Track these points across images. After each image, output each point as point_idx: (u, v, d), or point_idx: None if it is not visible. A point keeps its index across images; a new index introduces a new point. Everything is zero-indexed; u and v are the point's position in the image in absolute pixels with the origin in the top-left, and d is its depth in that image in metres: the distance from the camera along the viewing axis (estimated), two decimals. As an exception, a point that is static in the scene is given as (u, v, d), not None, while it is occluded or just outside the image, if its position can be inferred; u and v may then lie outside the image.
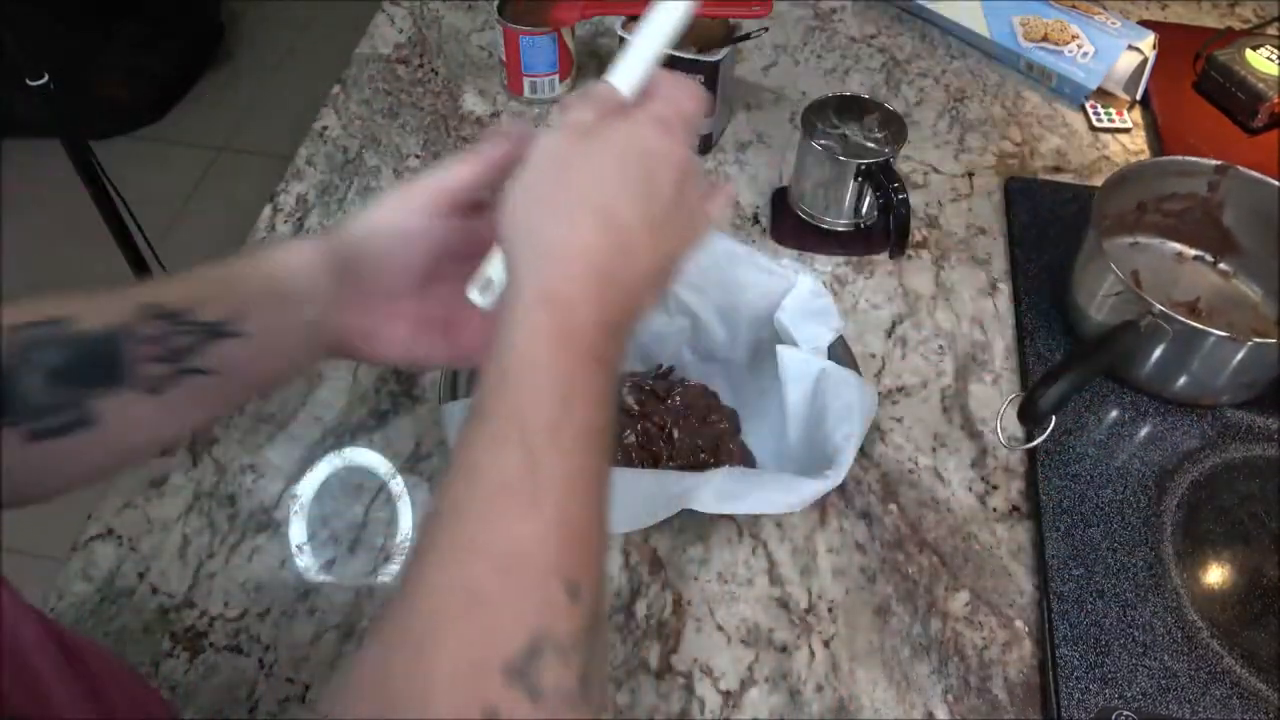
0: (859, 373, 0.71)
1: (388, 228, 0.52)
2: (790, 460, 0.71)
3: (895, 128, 0.87)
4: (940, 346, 0.84)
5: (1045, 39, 1.05)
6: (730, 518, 0.72)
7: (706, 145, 0.98)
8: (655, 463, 0.72)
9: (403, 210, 0.52)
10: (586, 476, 0.39)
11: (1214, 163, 0.84)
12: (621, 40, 0.93)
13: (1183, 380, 0.77)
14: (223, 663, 0.64)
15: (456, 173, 0.51)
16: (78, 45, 2.14)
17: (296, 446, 0.75)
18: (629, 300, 0.43)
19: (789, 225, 0.91)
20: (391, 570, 0.69)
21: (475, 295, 0.51)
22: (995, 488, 0.75)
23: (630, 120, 0.45)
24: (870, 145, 0.87)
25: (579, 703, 0.34)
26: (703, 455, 0.72)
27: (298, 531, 0.71)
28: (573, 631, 0.35)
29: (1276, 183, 0.82)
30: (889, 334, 0.84)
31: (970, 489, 0.74)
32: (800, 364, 0.70)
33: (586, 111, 0.45)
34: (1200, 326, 0.72)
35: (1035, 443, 0.74)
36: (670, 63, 0.89)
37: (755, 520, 0.72)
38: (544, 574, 0.36)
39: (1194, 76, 1.06)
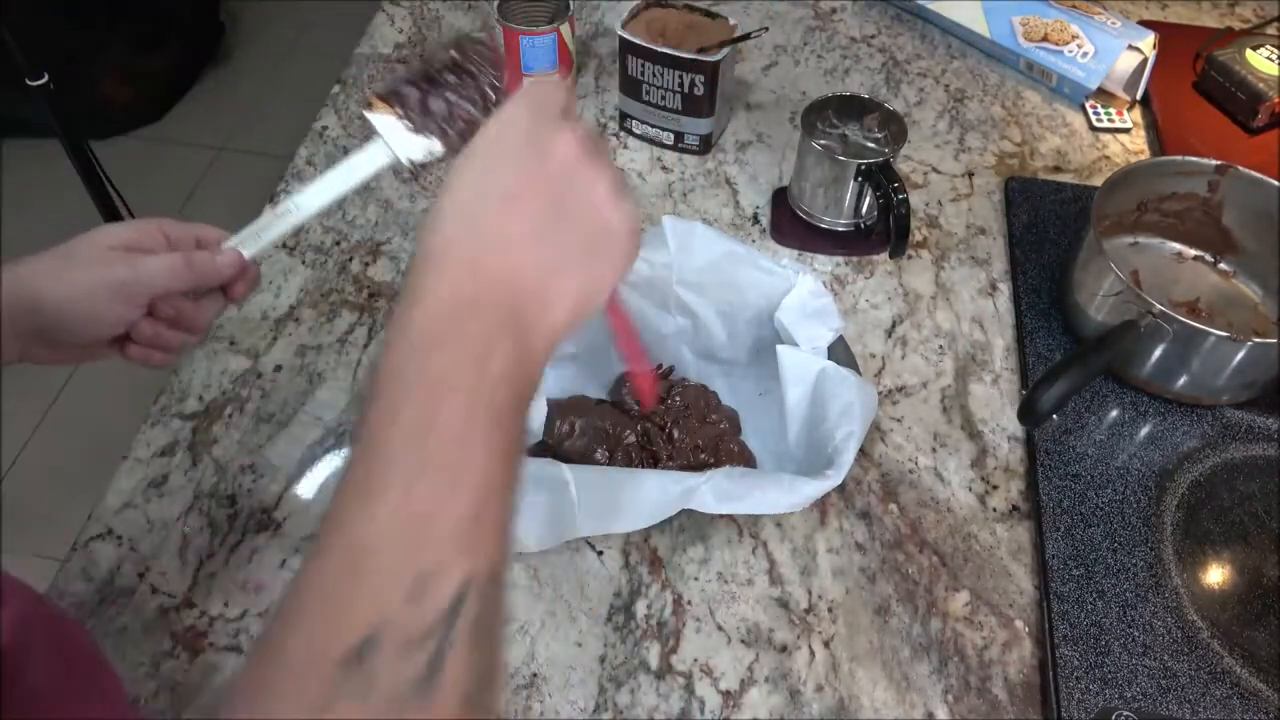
0: (859, 373, 0.71)
1: (82, 311, 0.54)
2: (790, 460, 0.71)
3: (895, 128, 0.87)
4: (940, 346, 0.84)
5: (1045, 39, 1.05)
6: (730, 518, 0.72)
7: (707, 145, 0.98)
8: (655, 463, 0.72)
9: (99, 301, 0.54)
10: (439, 462, 0.37)
11: (1214, 163, 0.84)
12: (622, 41, 0.93)
13: (1183, 380, 0.77)
14: (223, 663, 0.64)
15: (158, 275, 0.55)
16: (78, 45, 2.14)
17: (296, 446, 0.75)
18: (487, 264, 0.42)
19: (789, 225, 0.91)
20: (391, 570, 0.69)
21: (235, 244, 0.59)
22: (995, 488, 0.75)
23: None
24: (870, 145, 0.87)
25: (411, 702, 0.33)
26: (703, 455, 0.72)
27: (298, 531, 0.71)
28: (418, 626, 0.34)
29: (1276, 183, 0.82)
30: (889, 334, 0.84)
31: (970, 489, 0.74)
32: (800, 364, 0.70)
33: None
34: (1200, 326, 0.72)
35: (1035, 442, 0.74)
36: (671, 62, 0.90)
37: (755, 520, 0.72)
38: (389, 568, 0.35)
39: (1194, 76, 1.06)
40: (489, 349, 0.39)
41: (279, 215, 0.58)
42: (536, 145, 0.43)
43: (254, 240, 0.59)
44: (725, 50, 0.91)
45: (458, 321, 0.39)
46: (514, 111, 0.44)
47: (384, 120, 0.58)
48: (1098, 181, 0.96)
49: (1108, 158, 1.01)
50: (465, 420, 0.37)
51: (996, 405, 0.79)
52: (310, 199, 0.58)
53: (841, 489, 0.73)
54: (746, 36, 0.94)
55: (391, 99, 0.59)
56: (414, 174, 0.58)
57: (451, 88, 0.60)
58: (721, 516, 0.71)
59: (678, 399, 0.75)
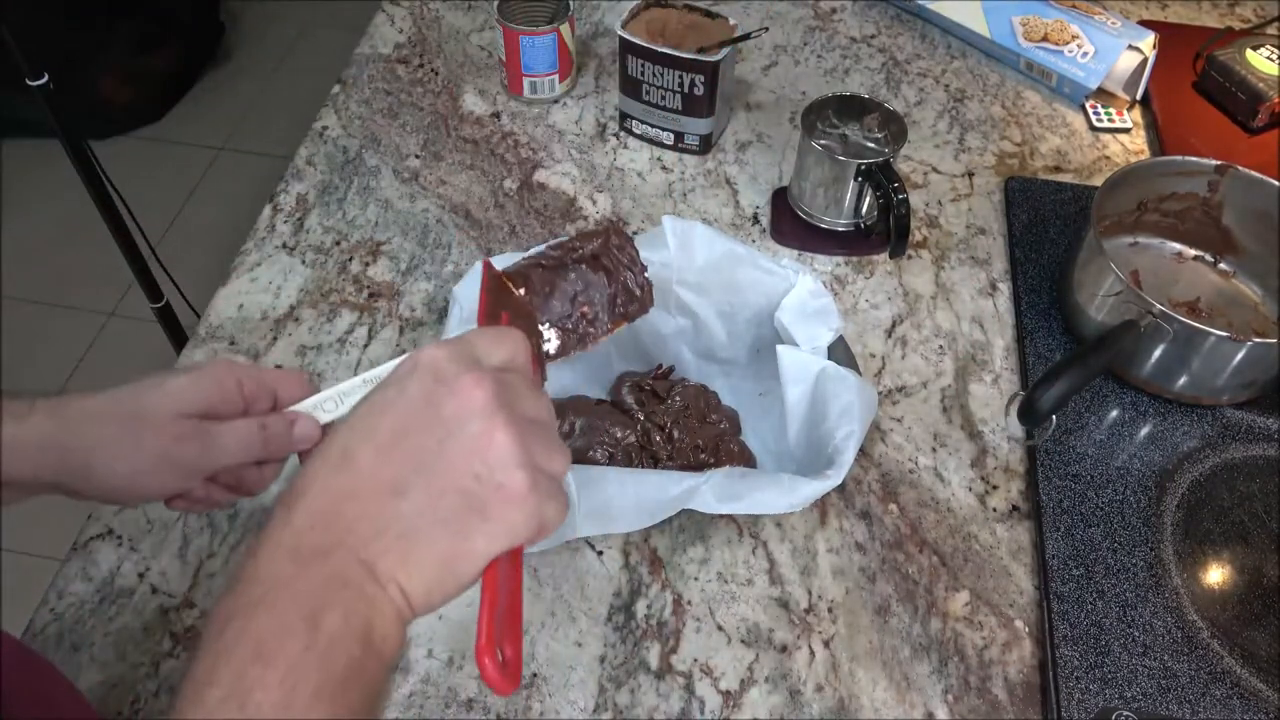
0: (859, 373, 0.71)
1: (137, 486, 0.49)
2: (790, 460, 0.71)
3: (895, 128, 0.87)
4: (940, 346, 0.84)
5: (1045, 39, 1.05)
6: (730, 518, 0.72)
7: (707, 145, 0.98)
8: (655, 463, 0.72)
9: (160, 477, 0.49)
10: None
11: (1214, 163, 0.84)
12: (621, 41, 0.93)
13: (1183, 380, 0.77)
14: (223, 663, 0.64)
15: (228, 451, 0.49)
16: (78, 45, 2.14)
17: (296, 446, 0.75)
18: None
19: (789, 225, 0.91)
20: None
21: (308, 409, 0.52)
22: (995, 488, 0.75)
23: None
24: (870, 145, 0.87)
25: None
26: (703, 455, 0.72)
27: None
28: None
29: (1276, 183, 0.82)
30: (889, 334, 0.84)
31: (970, 489, 0.74)
32: (800, 364, 0.70)
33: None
34: (1200, 326, 0.72)
35: (1035, 442, 0.74)
36: (671, 62, 0.90)
37: (755, 520, 0.72)
38: None
39: (1194, 76, 1.06)
40: (324, 604, 0.36)
41: (366, 381, 0.52)
42: (437, 388, 0.39)
43: (335, 404, 0.53)
44: (725, 50, 0.91)
45: (294, 574, 0.36)
46: (434, 351, 0.40)
47: None
48: (1098, 181, 0.96)
49: (1108, 158, 1.01)
50: (285, 695, 0.34)
51: (996, 405, 0.79)
52: None
53: (841, 489, 0.73)
54: (746, 36, 0.94)
55: (518, 279, 0.56)
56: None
57: (584, 282, 0.58)
58: (721, 516, 0.71)
59: (678, 399, 0.75)
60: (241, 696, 0.33)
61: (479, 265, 0.70)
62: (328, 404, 0.53)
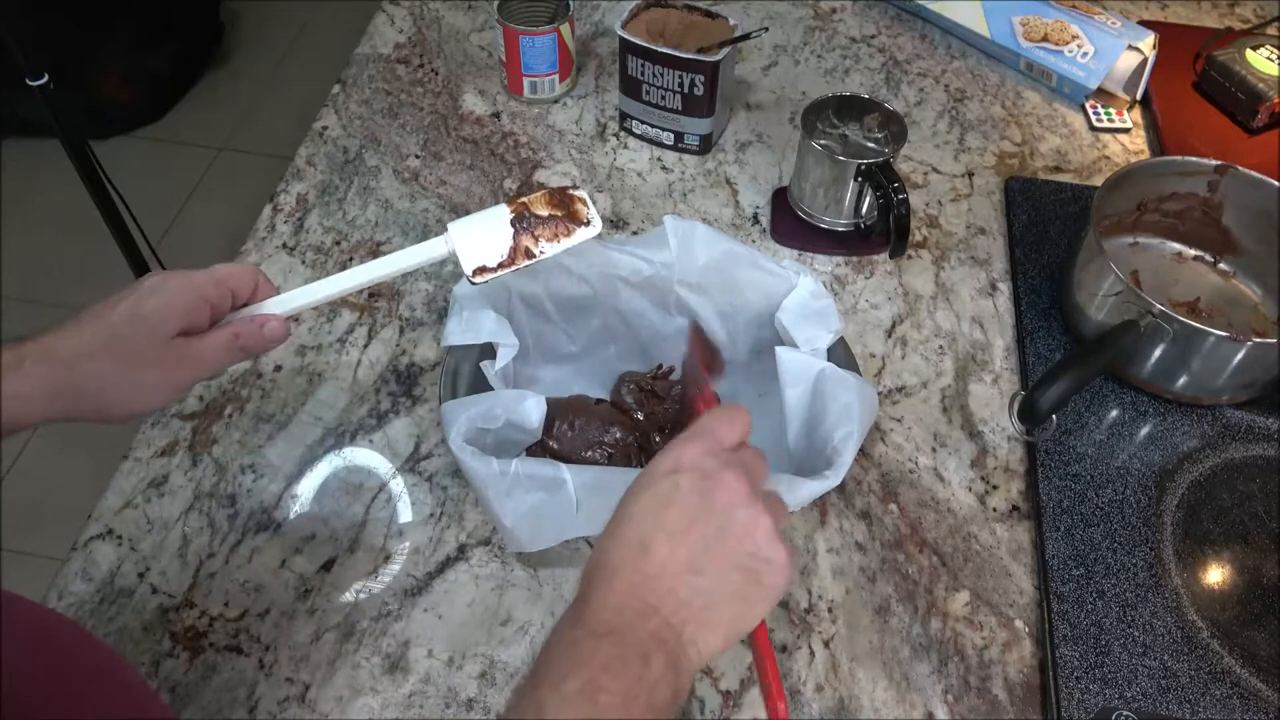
0: (859, 373, 0.71)
1: (136, 410, 0.56)
2: (790, 460, 0.71)
3: (895, 128, 0.87)
4: (940, 346, 0.84)
5: (1045, 39, 1.05)
6: (730, 518, 0.72)
7: (707, 145, 0.98)
8: (655, 463, 0.72)
9: (157, 399, 0.57)
10: None
11: (1214, 163, 0.84)
12: (622, 41, 0.93)
13: (1183, 380, 0.77)
14: (223, 663, 0.64)
15: (212, 366, 0.58)
16: (78, 45, 2.14)
17: (296, 446, 0.75)
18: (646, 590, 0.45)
19: (789, 225, 0.91)
20: (392, 570, 0.69)
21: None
22: (995, 488, 0.75)
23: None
24: (870, 145, 0.87)
25: None
26: (703, 455, 0.72)
27: (298, 531, 0.71)
28: None
29: (1276, 183, 0.82)
30: (889, 334, 0.84)
31: (970, 489, 0.74)
32: (800, 365, 0.70)
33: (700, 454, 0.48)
34: (1200, 326, 0.72)
35: (1035, 441, 0.74)
36: (671, 62, 0.90)
37: (755, 520, 0.72)
38: None
39: (1194, 76, 1.06)
40: (651, 651, 0.43)
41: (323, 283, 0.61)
42: (705, 483, 0.47)
43: (296, 298, 0.61)
44: (725, 50, 0.91)
45: (626, 623, 0.44)
46: (691, 452, 0.48)
47: (462, 234, 0.64)
48: (1098, 181, 0.96)
49: (1108, 158, 1.01)
50: (624, 703, 0.41)
51: (996, 405, 0.79)
52: (361, 273, 0.62)
53: (841, 489, 0.73)
54: (746, 36, 0.94)
55: (564, 410, 0.71)
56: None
57: (620, 430, 0.71)
58: (721, 516, 0.71)
59: (678, 399, 0.75)
60: (593, 693, 0.41)
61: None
62: (288, 300, 0.60)
